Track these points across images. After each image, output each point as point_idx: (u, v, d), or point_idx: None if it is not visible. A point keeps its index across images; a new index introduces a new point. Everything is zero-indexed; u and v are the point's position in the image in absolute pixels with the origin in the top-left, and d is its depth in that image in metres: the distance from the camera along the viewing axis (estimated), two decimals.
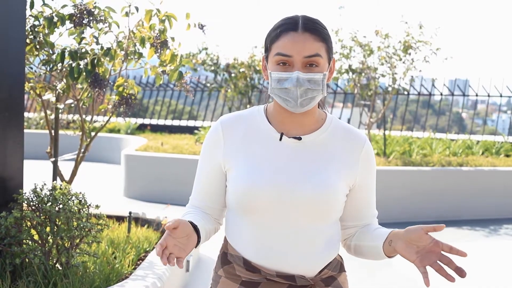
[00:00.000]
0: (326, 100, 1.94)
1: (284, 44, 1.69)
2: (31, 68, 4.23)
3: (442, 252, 1.58)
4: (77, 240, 3.39)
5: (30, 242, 3.39)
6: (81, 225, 3.32)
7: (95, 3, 3.97)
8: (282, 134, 1.76)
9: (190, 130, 14.73)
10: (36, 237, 3.45)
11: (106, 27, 4.06)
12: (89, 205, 3.46)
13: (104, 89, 4.01)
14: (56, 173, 4.35)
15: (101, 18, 3.98)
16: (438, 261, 1.58)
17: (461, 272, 1.53)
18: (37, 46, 4.03)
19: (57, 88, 4.24)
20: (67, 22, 3.98)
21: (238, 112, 1.86)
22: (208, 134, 1.84)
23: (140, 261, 4.01)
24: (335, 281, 1.81)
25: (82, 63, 3.99)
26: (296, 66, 1.68)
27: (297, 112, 1.72)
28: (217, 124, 1.82)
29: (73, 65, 3.94)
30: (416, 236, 1.60)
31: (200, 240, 1.68)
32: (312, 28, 1.70)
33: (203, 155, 1.84)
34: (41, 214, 3.32)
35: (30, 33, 3.96)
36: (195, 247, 1.65)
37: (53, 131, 4.40)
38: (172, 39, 4.11)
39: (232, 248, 1.81)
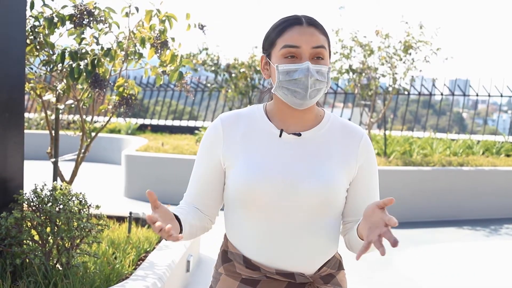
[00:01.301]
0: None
1: (291, 36, 1.71)
2: (32, 69, 4.23)
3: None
4: (78, 241, 3.39)
5: (30, 243, 3.39)
6: (82, 226, 3.32)
7: (95, 3, 3.97)
8: (281, 131, 1.77)
9: (190, 131, 14.73)
10: (36, 237, 3.45)
11: (106, 27, 4.06)
12: (90, 205, 3.46)
13: (104, 90, 4.01)
14: (57, 173, 4.36)
15: (101, 18, 3.98)
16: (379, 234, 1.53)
17: (394, 243, 1.47)
18: (38, 47, 4.03)
19: (58, 88, 4.24)
20: (67, 22, 3.98)
21: (237, 110, 1.87)
22: (207, 131, 1.84)
23: (141, 261, 4.01)
24: (333, 279, 1.82)
25: (82, 63, 3.99)
26: (304, 57, 1.70)
27: (304, 106, 1.73)
28: (217, 121, 1.83)
29: (73, 65, 3.95)
30: (369, 211, 1.58)
31: (183, 228, 1.67)
32: (316, 23, 1.75)
33: (201, 152, 1.84)
34: (41, 215, 3.32)
35: (31, 33, 3.97)
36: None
37: (53, 132, 4.40)
38: (172, 39, 4.12)
39: (232, 246, 1.82)
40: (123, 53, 4.14)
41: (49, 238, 3.34)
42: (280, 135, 1.77)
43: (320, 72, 1.71)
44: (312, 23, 1.74)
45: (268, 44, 1.77)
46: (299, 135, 1.77)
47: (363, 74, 9.30)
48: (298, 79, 1.69)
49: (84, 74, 3.95)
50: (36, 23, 4.00)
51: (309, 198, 1.71)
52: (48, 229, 3.35)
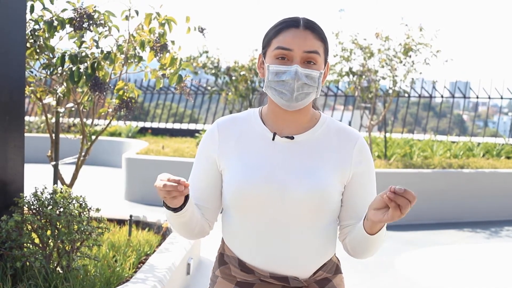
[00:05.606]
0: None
1: (285, 38, 1.72)
2: (32, 72, 4.24)
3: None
4: (78, 244, 3.39)
5: (31, 246, 3.39)
6: (82, 229, 3.32)
7: (95, 7, 3.98)
8: (274, 134, 1.78)
9: (191, 133, 14.74)
10: (37, 240, 3.45)
11: (106, 30, 4.07)
12: (90, 208, 3.46)
13: (104, 93, 4.02)
14: (57, 176, 4.36)
15: (101, 22, 3.99)
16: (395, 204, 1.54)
17: (400, 190, 1.50)
18: (38, 50, 4.04)
19: (58, 91, 4.25)
20: (67, 26, 3.99)
21: (234, 114, 1.89)
22: (204, 136, 1.87)
23: (141, 264, 4.01)
24: (329, 283, 1.81)
25: (82, 66, 4.00)
26: (295, 60, 1.71)
27: (291, 108, 1.73)
28: (213, 126, 1.86)
29: (73, 68, 3.95)
30: (377, 201, 1.58)
31: (185, 206, 1.67)
32: (313, 27, 1.74)
33: (199, 156, 1.86)
34: (41, 218, 3.33)
35: (31, 37, 3.97)
36: (177, 210, 1.67)
37: (53, 135, 4.40)
38: (172, 42, 4.12)
39: (228, 249, 1.83)
40: (123, 56, 4.15)
41: (50, 241, 3.35)
42: (273, 139, 1.77)
43: (310, 76, 1.71)
44: (309, 27, 1.73)
45: (265, 43, 1.79)
46: (292, 138, 1.77)
47: (363, 77, 9.30)
48: (285, 81, 1.70)
49: (84, 77, 3.96)
50: (36, 27, 4.00)
51: (301, 202, 1.71)
52: (49, 232, 3.35)
